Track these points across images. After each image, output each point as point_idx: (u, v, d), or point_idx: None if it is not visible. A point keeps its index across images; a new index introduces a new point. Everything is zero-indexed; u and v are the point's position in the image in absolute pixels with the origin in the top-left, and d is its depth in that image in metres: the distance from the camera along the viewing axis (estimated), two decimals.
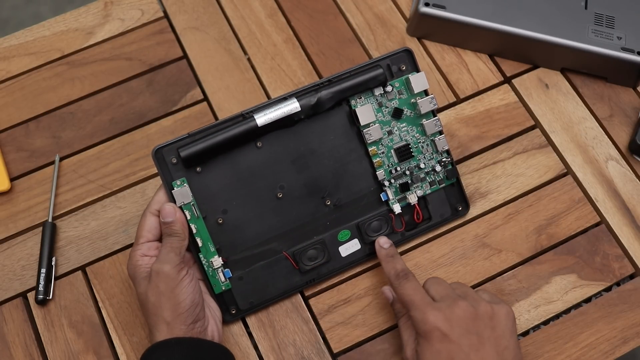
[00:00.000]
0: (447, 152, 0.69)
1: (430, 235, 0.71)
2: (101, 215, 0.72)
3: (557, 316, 0.68)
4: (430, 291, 0.62)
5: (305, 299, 0.69)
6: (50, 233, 0.70)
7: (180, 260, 0.61)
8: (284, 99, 0.65)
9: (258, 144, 0.65)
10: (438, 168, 0.69)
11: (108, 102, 0.78)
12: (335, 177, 0.67)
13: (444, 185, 0.70)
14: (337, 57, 0.80)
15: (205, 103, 0.78)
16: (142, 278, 0.61)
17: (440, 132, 0.69)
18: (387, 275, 0.64)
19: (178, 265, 0.60)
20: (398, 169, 0.68)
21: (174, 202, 0.63)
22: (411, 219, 0.70)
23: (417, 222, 0.70)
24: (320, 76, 0.79)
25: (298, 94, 0.65)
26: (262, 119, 0.63)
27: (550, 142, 0.76)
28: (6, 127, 0.76)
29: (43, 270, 0.68)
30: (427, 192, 0.70)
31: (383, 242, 0.67)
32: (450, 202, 0.71)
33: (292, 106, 0.64)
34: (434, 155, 0.69)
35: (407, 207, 0.70)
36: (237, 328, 0.68)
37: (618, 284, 0.70)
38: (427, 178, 0.69)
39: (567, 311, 0.69)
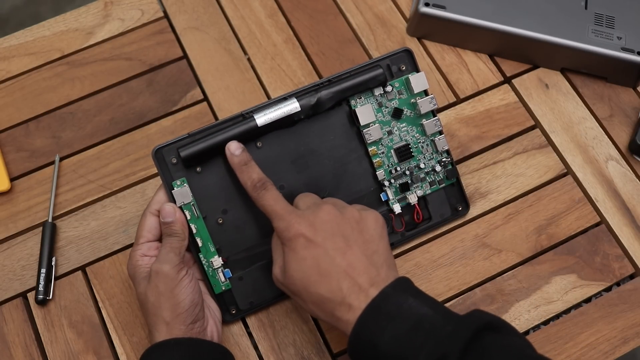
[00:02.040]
0: (447, 152, 0.69)
1: (430, 235, 0.71)
2: (101, 215, 0.72)
3: (557, 316, 0.68)
4: (298, 204, 0.61)
5: None
6: (50, 233, 0.70)
7: (180, 261, 0.61)
8: (284, 99, 0.65)
9: (258, 144, 0.65)
10: (438, 168, 0.69)
11: (108, 102, 0.78)
12: (335, 177, 0.67)
13: (444, 185, 0.70)
14: (337, 57, 0.80)
15: (205, 103, 0.78)
16: (142, 278, 0.61)
17: (440, 132, 0.69)
18: (243, 185, 0.61)
19: (178, 265, 0.60)
20: (398, 169, 0.68)
21: (174, 202, 0.63)
22: (411, 219, 0.70)
23: (417, 222, 0.70)
24: (320, 76, 0.79)
25: (298, 94, 0.65)
26: (262, 119, 0.63)
27: (550, 142, 0.76)
28: (6, 127, 0.76)
29: (43, 270, 0.68)
30: (427, 192, 0.70)
31: (234, 149, 0.62)
32: (450, 202, 0.71)
33: (292, 106, 0.64)
34: (434, 155, 0.69)
35: (407, 207, 0.70)
36: (237, 328, 0.68)
37: (618, 284, 0.70)
38: (427, 178, 0.69)
39: (567, 311, 0.69)
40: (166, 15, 0.83)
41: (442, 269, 0.70)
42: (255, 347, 0.67)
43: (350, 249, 0.57)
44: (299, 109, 0.64)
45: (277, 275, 0.59)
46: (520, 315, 0.68)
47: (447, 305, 0.68)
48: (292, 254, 0.57)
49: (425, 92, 0.68)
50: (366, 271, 0.56)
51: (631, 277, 0.70)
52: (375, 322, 0.54)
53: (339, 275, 0.56)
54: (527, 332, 0.68)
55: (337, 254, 0.56)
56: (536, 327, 0.68)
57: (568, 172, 0.75)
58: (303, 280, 0.57)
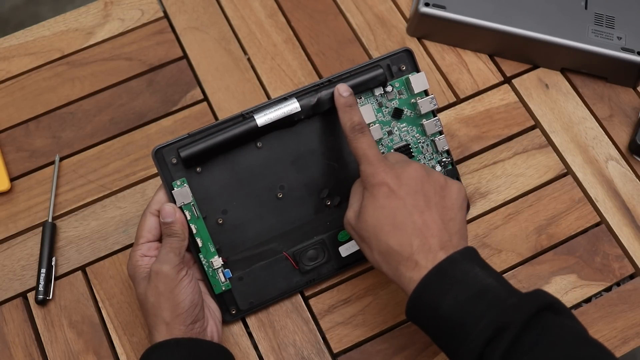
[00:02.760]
0: (447, 152, 0.69)
1: None
2: (101, 215, 0.72)
3: None
4: (388, 158, 0.61)
5: (305, 299, 0.69)
6: (50, 233, 0.70)
7: (180, 261, 0.61)
8: (284, 99, 0.65)
9: (258, 144, 0.65)
10: (438, 168, 0.69)
11: (108, 102, 0.78)
12: (336, 177, 0.67)
13: None
14: (337, 57, 0.80)
15: (205, 103, 0.78)
16: (142, 278, 0.61)
17: (440, 132, 0.69)
18: (342, 126, 0.61)
19: (177, 265, 0.60)
20: None
21: (174, 202, 0.63)
22: None
23: None
24: (320, 76, 0.79)
25: (298, 94, 0.65)
26: (262, 119, 0.63)
27: (550, 142, 0.76)
28: (6, 127, 0.76)
29: (43, 270, 0.68)
30: None
31: (343, 90, 0.62)
32: None
33: (292, 106, 0.64)
34: (434, 156, 0.69)
35: None
36: (237, 328, 0.68)
37: (618, 284, 0.70)
38: None
39: None
40: (166, 15, 0.83)
41: None
42: (255, 347, 0.67)
43: (429, 209, 0.57)
44: (299, 109, 0.64)
45: (349, 218, 0.60)
46: None
47: None
48: (372, 199, 0.57)
49: (426, 92, 0.68)
50: (439, 234, 0.56)
51: (631, 277, 0.70)
52: (440, 284, 0.54)
53: (412, 231, 0.56)
54: None
55: (415, 210, 0.56)
56: None
57: (568, 172, 0.75)
58: (376, 228, 0.57)
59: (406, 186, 0.57)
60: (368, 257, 0.59)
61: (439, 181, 0.59)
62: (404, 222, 0.56)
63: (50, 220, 0.71)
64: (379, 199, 0.57)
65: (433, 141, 0.69)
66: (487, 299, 0.53)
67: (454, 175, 0.70)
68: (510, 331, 0.51)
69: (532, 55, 0.79)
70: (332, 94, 0.64)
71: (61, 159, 0.75)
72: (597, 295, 0.69)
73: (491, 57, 0.80)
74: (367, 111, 0.66)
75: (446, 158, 0.69)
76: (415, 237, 0.56)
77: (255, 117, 0.63)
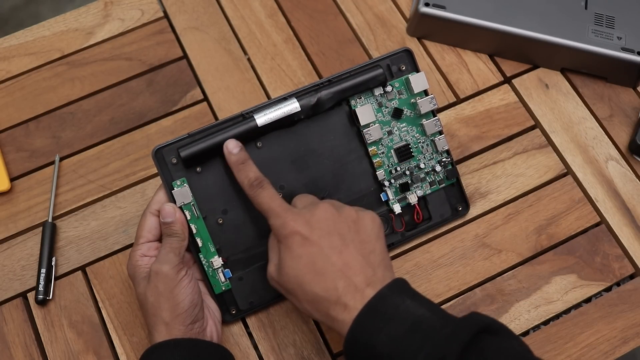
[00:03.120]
0: (447, 152, 0.69)
1: (430, 235, 0.71)
2: (101, 215, 0.72)
3: (557, 316, 0.68)
4: (295, 204, 0.60)
5: None
6: (50, 233, 0.70)
7: (180, 261, 0.61)
8: (284, 99, 0.65)
9: (258, 144, 0.65)
10: (438, 168, 0.69)
11: (108, 102, 0.78)
12: (335, 177, 0.67)
13: (444, 185, 0.70)
14: (337, 57, 0.80)
15: (205, 103, 0.78)
16: (142, 278, 0.61)
17: (440, 132, 0.69)
18: (240, 185, 0.60)
19: (177, 265, 0.60)
20: (398, 169, 0.68)
21: (174, 202, 0.63)
22: (411, 219, 0.70)
23: (417, 222, 0.70)
24: (320, 76, 0.79)
25: (298, 94, 0.65)
26: (262, 119, 0.63)
27: (550, 142, 0.76)
28: (6, 127, 0.76)
29: (43, 270, 0.68)
30: (427, 192, 0.70)
31: (232, 147, 0.61)
32: (450, 202, 0.71)
33: (292, 106, 0.64)
34: (434, 155, 0.69)
35: (407, 207, 0.70)
36: (237, 328, 0.68)
37: (618, 284, 0.70)
38: (427, 178, 0.69)
39: (567, 311, 0.69)
40: (166, 15, 0.83)
41: (442, 269, 0.70)
42: (255, 347, 0.67)
43: (346, 247, 0.56)
44: (299, 109, 0.64)
45: (271, 273, 0.59)
46: (520, 315, 0.68)
47: (447, 305, 0.68)
48: (287, 251, 0.56)
49: (425, 92, 0.68)
50: (362, 271, 0.55)
51: (631, 277, 0.70)
52: (372, 323, 0.53)
53: (334, 274, 0.55)
54: (527, 332, 0.68)
55: (333, 252, 0.56)
56: (536, 327, 0.68)
57: (568, 172, 0.75)
58: (298, 278, 0.56)
59: (318, 230, 0.56)
60: (299, 308, 0.58)
61: (350, 216, 0.58)
62: (324, 266, 0.55)
63: (50, 220, 0.71)
64: (294, 249, 0.56)
65: (433, 141, 0.69)
66: (422, 331, 0.52)
67: (454, 175, 0.70)
68: None
69: (532, 55, 0.79)
70: (333, 93, 0.64)
71: (61, 159, 0.75)
72: (597, 295, 0.69)
73: (491, 57, 0.80)
74: (367, 111, 0.66)
75: (446, 158, 0.69)
76: (339, 280, 0.55)
77: (255, 117, 0.63)
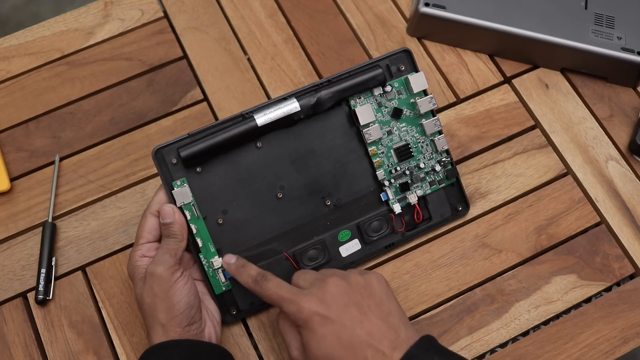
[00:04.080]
0: (447, 152, 0.69)
1: (430, 235, 0.71)
2: (101, 215, 0.72)
3: (557, 316, 0.68)
4: (299, 284, 0.60)
5: None
6: (50, 233, 0.70)
7: (175, 262, 0.61)
8: (283, 99, 0.65)
9: (258, 144, 0.65)
10: (438, 168, 0.69)
11: (108, 102, 0.78)
12: (335, 177, 0.67)
13: (444, 185, 0.70)
14: (337, 57, 0.80)
15: (205, 103, 0.78)
16: (140, 279, 0.61)
17: (440, 132, 0.69)
18: (246, 286, 0.61)
19: (172, 267, 0.60)
20: (398, 168, 0.68)
21: (174, 202, 0.63)
22: (411, 219, 0.70)
23: (417, 222, 0.70)
24: (320, 76, 0.79)
25: (298, 94, 0.65)
26: (262, 119, 0.63)
27: (550, 142, 0.76)
28: (6, 127, 0.76)
29: (43, 271, 0.68)
30: (427, 192, 0.70)
31: (228, 259, 0.63)
32: (450, 202, 0.71)
33: (292, 106, 0.64)
34: (434, 155, 0.69)
35: (407, 207, 0.70)
36: (237, 328, 0.68)
37: (618, 284, 0.70)
38: (427, 178, 0.69)
39: (567, 311, 0.69)
40: (166, 15, 0.83)
41: (442, 269, 0.70)
42: (255, 347, 0.67)
43: (365, 316, 0.57)
44: (299, 109, 0.64)
45: (297, 357, 0.59)
46: (520, 315, 0.68)
47: (447, 305, 0.69)
48: (310, 334, 0.57)
49: (425, 92, 0.68)
50: (386, 336, 0.56)
51: (631, 277, 0.70)
52: None
53: (361, 345, 0.56)
54: (527, 332, 0.68)
55: (354, 324, 0.56)
56: (536, 327, 0.68)
57: (568, 172, 0.75)
58: (327, 357, 0.56)
59: (334, 305, 0.57)
60: None
61: (359, 283, 0.59)
62: (350, 340, 0.56)
63: (50, 220, 0.71)
64: (317, 330, 0.56)
65: (432, 141, 0.69)
66: None
67: (454, 174, 0.70)
68: None
69: (532, 55, 0.79)
70: (332, 93, 0.65)
71: (61, 159, 0.75)
72: (597, 295, 0.69)
73: (491, 57, 0.80)
74: (367, 111, 0.66)
75: (446, 158, 0.69)
76: (367, 349, 0.55)
77: (255, 117, 0.63)
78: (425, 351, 0.55)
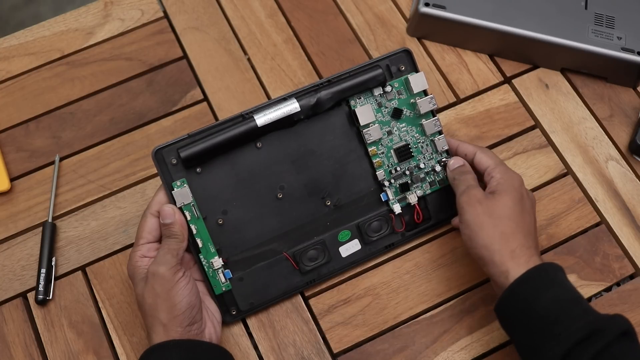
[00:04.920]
0: (447, 152, 0.69)
1: (431, 235, 0.71)
2: (101, 215, 0.72)
3: None
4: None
5: (306, 299, 0.69)
6: (50, 233, 0.70)
7: (177, 262, 0.61)
8: (283, 99, 0.65)
9: (258, 145, 0.65)
10: (438, 168, 0.69)
11: (108, 102, 0.78)
12: (335, 178, 0.67)
13: (444, 185, 0.70)
14: (337, 57, 0.80)
15: (205, 103, 0.78)
16: (141, 279, 0.61)
17: (440, 132, 0.69)
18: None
19: (174, 267, 0.60)
20: (398, 169, 0.68)
21: (174, 202, 0.63)
22: (411, 219, 0.70)
23: (417, 222, 0.70)
24: (320, 76, 0.79)
25: (298, 95, 0.65)
26: (261, 119, 0.63)
27: (550, 142, 0.76)
28: (6, 127, 0.76)
29: (43, 271, 0.68)
30: (427, 192, 0.70)
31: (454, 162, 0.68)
32: (451, 203, 0.71)
33: (292, 106, 0.64)
34: (434, 156, 0.69)
35: (407, 208, 0.70)
36: (237, 328, 0.68)
37: (618, 284, 0.70)
38: (427, 178, 0.69)
39: None
40: (166, 15, 0.83)
41: (442, 269, 0.70)
42: (255, 347, 0.67)
43: (533, 226, 0.64)
44: (299, 109, 0.64)
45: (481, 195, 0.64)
46: None
47: (447, 305, 0.69)
48: (508, 198, 0.63)
49: (425, 92, 0.68)
50: (535, 242, 0.62)
51: (631, 277, 0.70)
52: (542, 281, 0.58)
53: (528, 234, 0.62)
54: None
55: (527, 220, 0.63)
56: None
57: (568, 172, 0.75)
58: (508, 218, 0.61)
59: (523, 197, 0.64)
60: (486, 234, 0.61)
61: (533, 200, 0.66)
62: (522, 222, 0.62)
63: (50, 220, 0.71)
64: (507, 199, 0.62)
65: (433, 141, 0.69)
66: (583, 306, 0.57)
67: None
68: (605, 337, 0.54)
69: (532, 55, 0.79)
70: (332, 93, 0.65)
71: (61, 159, 0.75)
72: (597, 295, 0.69)
73: (491, 57, 0.80)
74: (367, 111, 0.66)
75: (446, 158, 0.69)
76: (530, 239, 0.61)
77: (255, 117, 0.63)
78: (562, 272, 0.60)
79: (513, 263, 0.59)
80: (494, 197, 0.62)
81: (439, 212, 0.70)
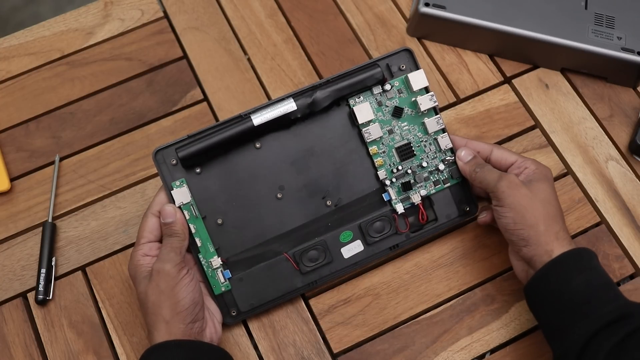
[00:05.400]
0: (451, 150, 0.69)
1: (434, 235, 0.71)
2: (101, 215, 0.72)
3: None
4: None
5: (306, 299, 0.69)
6: (50, 233, 0.70)
7: (181, 260, 0.61)
8: (281, 99, 0.65)
9: (257, 145, 0.65)
10: (442, 167, 0.68)
11: (108, 102, 0.78)
12: (336, 178, 0.67)
13: (449, 184, 0.69)
14: (337, 57, 0.80)
15: (205, 103, 0.78)
16: (143, 277, 0.61)
17: (444, 130, 0.68)
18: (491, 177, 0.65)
19: (179, 264, 0.60)
20: (400, 168, 0.68)
21: (173, 202, 0.63)
22: (416, 219, 0.69)
23: (421, 222, 0.69)
24: (320, 76, 0.79)
25: (296, 95, 0.65)
26: (258, 118, 0.63)
27: (550, 142, 0.76)
28: (6, 127, 0.76)
29: (43, 271, 0.68)
30: (432, 192, 0.69)
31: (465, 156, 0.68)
32: (457, 202, 0.70)
33: (289, 105, 0.64)
34: (437, 154, 0.69)
35: (411, 208, 0.69)
36: (237, 328, 0.68)
37: (618, 284, 0.70)
38: (431, 177, 0.69)
39: None
40: (166, 15, 0.83)
41: (442, 269, 0.70)
42: (255, 347, 0.67)
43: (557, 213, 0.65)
44: (296, 108, 0.64)
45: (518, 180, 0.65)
46: (521, 316, 0.68)
47: (447, 305, 0.69)
48: (543, 184, 0.64)
49: (426, 90, 0.67)
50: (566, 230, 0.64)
51: (631, 277, 0.70)
52: (575, 265, 0.60)
53: (560, 218, 0.63)
54: (527, 333, 0.68)
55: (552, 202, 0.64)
56: (536, 328, 0.68)
57: (568, 172, 0.75)
58: (546, 202, 0.63)
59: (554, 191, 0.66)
60: (527, 213, 0.62)
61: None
62: (556, 209, 0.64)
63: (50, 220, 0.71)
64: (547, 185, 0.64)
65: (436, 139, 0.68)
66: (614, 291, 0.59)
67: (459, 173, 0.69)
68: (635, 321, 0.56)
69: (532, 55, 0.79)
70: (329, 92, 0.64)
71: (61, 159, 0.75)
72: None
73: (491, 57, 0.80)
74: (365, 109, 0.66)
75: (450, 156, 0.69)
76: (561, 223, 0.63)
77: (252, 117, 0.64)
78: (595, 258, 0.61)
79: (557, 244, 0.61)
80: (533, 184, 0.64)
81: (445, 212, 0.70)
